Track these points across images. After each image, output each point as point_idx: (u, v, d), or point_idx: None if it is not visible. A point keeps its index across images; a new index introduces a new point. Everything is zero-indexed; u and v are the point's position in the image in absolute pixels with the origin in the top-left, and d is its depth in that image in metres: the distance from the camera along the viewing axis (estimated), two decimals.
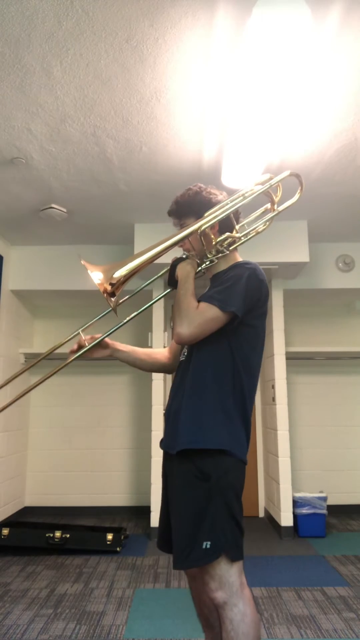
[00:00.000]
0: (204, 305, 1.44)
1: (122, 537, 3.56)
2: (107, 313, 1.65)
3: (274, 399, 4.13)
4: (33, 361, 1.71)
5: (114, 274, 1.46)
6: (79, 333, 1.63)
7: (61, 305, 5.01)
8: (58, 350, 1.71)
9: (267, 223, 1.66)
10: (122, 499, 4.70)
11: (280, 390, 4.08)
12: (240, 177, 3.13)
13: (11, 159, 2.90)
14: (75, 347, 1.62)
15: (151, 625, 2.37)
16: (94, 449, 4.80)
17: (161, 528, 1.60)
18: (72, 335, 1.68)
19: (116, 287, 1.46)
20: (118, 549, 3.49)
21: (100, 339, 1.62)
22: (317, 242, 4.26)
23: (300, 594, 2.74)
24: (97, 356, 1.66)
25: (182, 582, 2.92)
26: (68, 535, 3.49)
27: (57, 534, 3.48)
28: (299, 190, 1.66)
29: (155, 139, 2.72)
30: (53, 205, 3.54)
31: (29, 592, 2.78)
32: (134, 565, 3.24)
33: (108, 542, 3.50)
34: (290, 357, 4.48)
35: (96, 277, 1.45)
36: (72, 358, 1.61)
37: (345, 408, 4.83)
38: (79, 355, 1.60)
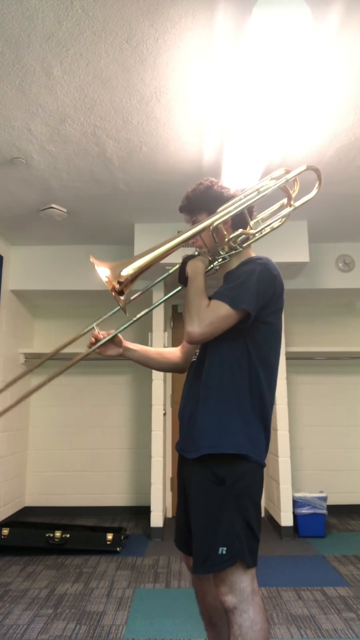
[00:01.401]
0: (214, 302, 1.39)
1: (122, 537, 3.56)
2: (116, 311, 1.61)
3: None
4: (37, 362, 1.71)
5: (121, 271, 1.43)
6: (93, 327, 1.61)
7: (61, 305, 5.01)
8: (65, 351, 1.70)
9: (284, 219, 1.60)
10: (122, 499, 4.70)
11: (280, 390, 4.08)
12: (240, 177, 3.13)
13: (11, 159, 2.90)
14: (92, 340, 1.60)
15: (151, 625, 2.37)
16: (94, 449, 4.80)
17: (178, 528, 1.61)
18: (85, 331, 1.66)
19: (125, 285, 1.42)
20: (118, 549, 3.49)
21: (115, 333, 1.59)
22: (317, 242, 4.26)
23: (300, 594, 2.74)
24: (109, 354, 1.63)
25: (182, 582, 2.92)
26: (68, 535, 3.49)
27: (57, 534, 3.48)
28: (317, 185, 1.58)
29: (155, 139, 2.72)
30: (53, 205, 3.54)
31: (29, 592, 2.78)
32: (134, 565, 3.24)
33: (108, 542, 3.50)
34: (290, 357, 4.48)
35: (103, 273, 1.41)
36: (90, 350, 1.58)
37: (345, 408, 4.83)
38: (96, 348, 1.58)
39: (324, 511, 3.88)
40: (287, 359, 4.23)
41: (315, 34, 1.95)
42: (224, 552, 1.33)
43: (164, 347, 4.11)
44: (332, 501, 4.41)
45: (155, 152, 2.86)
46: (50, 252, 4.38)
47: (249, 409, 1.42)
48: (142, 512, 4.42)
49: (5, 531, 3.50)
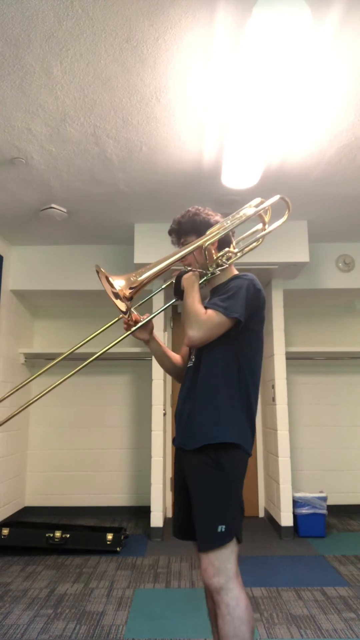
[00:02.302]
0: (211, 311, 1.59)
1: (122, 537, 3.56)
2: (119, 319, 1.79)
3: (274, 399, 4.13)
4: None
5: (134, 280, 1.63)
6: (130, 311, 1.73)
7: (61, 305, 5.01)
8: (65, 351, 1.76)
9: (260, 240, 1.87)
10: (122, 499, 4.70)
11: (280, 390, 4.08)
12: (240, 177, 3.14)
13: (11, 159, 2.90)
14: (132, 318, 1.75)
15: (151, 625, 2.38)
16: (94, 449, 4.80)
17: (178, 518, 1.75)
18: (111, 323, 1.82)
19: (135, 292, 1.63)
20: (118, 549, 3.49)
21: (151, 317, 1.79)
22: (317, 242, 4.26)
23: (300, 594, 2.74)
24: (140, 336, 1.82)
25: (182, 582, 2.92)
26: (68, 535, 3.49)
27: (57, 534, 3.48)
28: (286, 212, 1.85)
29: (155, 139, 2.72)
30: (53, 205, 3.54)
31: (29, 592, 2.78)
32: (134, 565, 3.24)
33: (108, 542, 3.50)
34: (290, 357, 4.48)
35: (118, 284, 1.60)
36: (133, 330, 1.76)
37: (345, 408, 4.83)
38: (137, 328, 1.76)
39: (324, 511, 3.88)
40: (287, 359, 4.23)
41: (315, 34, 1.95)
42: (223, 529, 1.52)
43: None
44: (332, 501, 4.41)
45: (155, 152, 2.86)
46: (50, 252, 4.38)
47: (238, 405, 1.63)
48: (142, 512, 4.42)
49: (5, 531, 3.50)
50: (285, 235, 3.82)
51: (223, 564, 1.51)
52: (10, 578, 3.01)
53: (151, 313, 1.83)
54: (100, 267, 1.64)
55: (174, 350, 1.97)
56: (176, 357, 1.92)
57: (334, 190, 3.36)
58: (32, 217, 3.74)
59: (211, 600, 1.67)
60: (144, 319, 1.77)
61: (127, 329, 1.76)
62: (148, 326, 1.80)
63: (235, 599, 1.48)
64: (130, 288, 1.61)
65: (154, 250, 3.78)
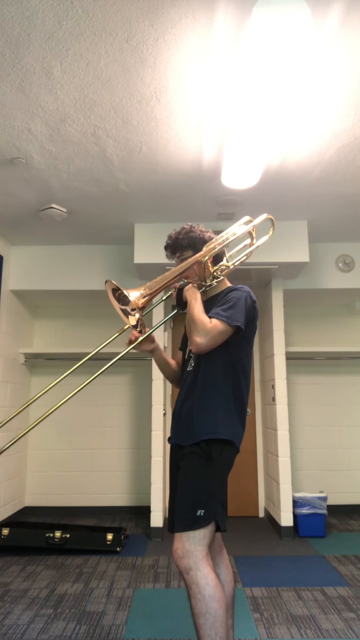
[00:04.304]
0: (215, 320, 1.72)
1: (122, 537, 3.56)
2: (126, 327, 1.90)
3: (274, 399, 4.13)
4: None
5: (146, 291, 1.75)
6: (140, 324, 1.85)
7: (61, 305, 5.01)
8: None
9: (250, 254, 2.05)
10: (122, 499, 4.71)
11: (280, 390, 4.08)
12: (240, 177, 3.14)
13: (11, 159, 2.90)
14: (132, 338, 1.88)
15: (151, 625, 2.38)
16: (94, 449, 4.80)
17: (171, 513, 1.81)
18: (115, 336, 1.91)
19: (147, 301, 1.75)
20: (118, 549, 3.49)
21: (150, 331, 1.91)
22: (317, 242, 4.26)
23: (300, 594, 2.74)
24: (144, 348, 1.95)
25: (182, 582, 2.92)
26: (68, 535, 3.49)
27: (57, 534, 3.48)
28: (271, 228, 2.08)
29: (155, 139, 2.72)
30: (53, 205, 3.54)
31: (29, 592, 2.78)
32: (134, 565, 3.24)
33: (108, 542, 3.50)
34: (290, 357, 4.48)
35: (134, 296, 1.72)
36: (131, 346, 1.88)
37: (345, 408, 4.83)
38: (137, 344, 1.88)
39: (324, 511, 3.88)
40: (287, 359, 4.23)
41: (315, 34, 1.95)
42: (202, 513, 1.61)
43: (164, 347, 4.12)
44: (332, 501, 4.41)
45: (155, 152, 2.86)
46: (50, 252, 4.38)
47: (233, 407, 1.78)
48: (142, 512, 4.42)
49: (5, 531, 3.50)
50: (285, 235, 3.82)
51: (193, 546, 1.58)
52: (10, 578, 3.01)
53: (152, 323, 1.92)
54: (112, 280, 1.75)
55: (170, 350, 2.09)
56: (174, 364, 2.06)
57: (334, 190, 3.36)
58: (32, 217, 3.74)
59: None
60: (146, 333, 1.88)
61: (130, 343, 1.88)
62: (149, 338, 1.94)
63: (204, 577, 1.54)
64: (143, 297, 1.74)
65: (154, 250, 3.78)
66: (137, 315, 1.77)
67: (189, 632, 2.29)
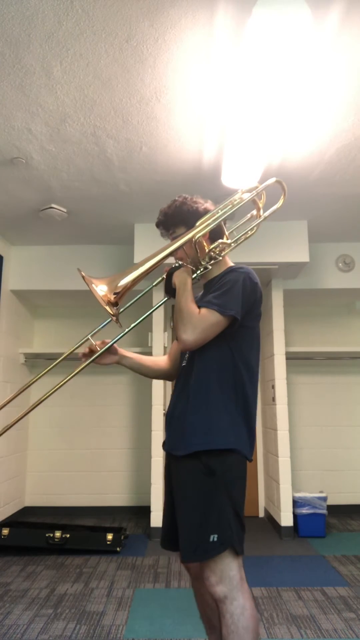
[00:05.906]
0: (205, 311, 1.47)
1: (122, 537, 3.56)
2: (107, 323, 1.71)
3: (274, 399, 4.13)
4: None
5: (116, 284, 1.50)
6: (88, 338, 1.65)
7: (61, 305, 5.01)
8: (65, 351, 1.70)
9: (255, 228, 1.73)
10: (122, 499, 4.70)
11: (280, 390, 4.08)
12: (240, 177, 3.13)
13: (11, 159, 2.90)
14: (87, 350, 1.65)
15: (151, 625, 2.37)
16: (94, 449, 4.80)
17: (165, 528, 1.63)
18: (81, 341, 1.70)
19: (119, 297, 1.50)
20: (118, 549, 3.49)
21: (110, 343, 1.64)
22: (317, 242, 4.26)
23: (300, 594, 2.74)
24: (105, 362, 1.68)
25: (182, 582, 2.92)
26: (68, 535, 3.49)
27: (57, 534, 3.48)
28: (282, 196, 1.74)
29: (155, 139, 2.72)
30: (53, 205, 3.54)
31: (29, 592, 2.78)
32: (134, 565, 3.24)
33: (108, 542, 3.50)
34: (290, 357, 4.48)
35: (100, 290, 1.48)
36: (86, 363, 1.63)
37: (345, 408, 4.83)
38: (93, 360, 1.63)
39: (324, 511, 3.88)
40: (287, 359, 4.23)
41: (315, 34, 1.95)
42: (215, 539, 1.39)
43: (164, 347, 4.11)
44: (332, 501, 4.41)
45: (155, 152, 2.86)
46: (50, 252, 4.38)
47: (234, 407, 1.50)
48: (142, 512, 4.42)
49: (5, 531, 3.50)
50: (285, 235, 3.82)
51: (225, 572, 1.39)
52: (10, 578, 3.01)
53: (148, 311, 1.72)
54: (81, 270, 1.53)
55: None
56: (157, 361, 1.80)
57: (334, 190, 3.36)
58: (32, 217, 3.74)
59: (200, 599, 1.63)
60: (102, 348, 1.63)
61: (88, 357, 1.63)
62: (110, 350, 1.66)
63: (240, 607, 1.37)
64: (114, 293, 1.48)
65: (155, 250, 3.78)
66: (112, 311, 1.49)
67: (189, 632, 2.29)
